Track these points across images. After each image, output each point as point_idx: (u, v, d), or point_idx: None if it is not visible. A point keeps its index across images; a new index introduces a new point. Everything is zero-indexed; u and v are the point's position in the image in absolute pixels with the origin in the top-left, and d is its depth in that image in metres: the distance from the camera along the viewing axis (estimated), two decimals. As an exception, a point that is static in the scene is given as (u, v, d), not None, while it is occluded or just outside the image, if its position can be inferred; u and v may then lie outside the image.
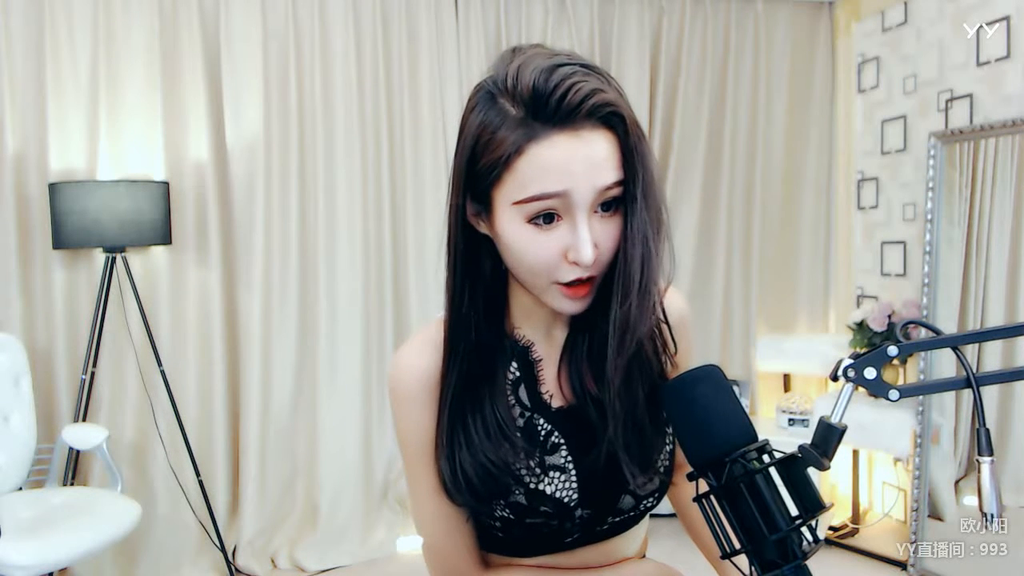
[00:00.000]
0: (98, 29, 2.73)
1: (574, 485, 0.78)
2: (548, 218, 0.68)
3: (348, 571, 2.95)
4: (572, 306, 0.73)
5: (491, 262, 0.77)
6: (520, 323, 0.82)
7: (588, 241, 0.67)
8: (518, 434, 0.77)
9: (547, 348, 0.82)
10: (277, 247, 3.00)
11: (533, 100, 0.65)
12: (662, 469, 0.82)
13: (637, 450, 0.77)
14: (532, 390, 0.81)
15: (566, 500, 0.78)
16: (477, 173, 0.70)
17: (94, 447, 2.47)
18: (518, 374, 0.81)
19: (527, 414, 0.80)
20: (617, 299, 0.70)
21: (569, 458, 0.79)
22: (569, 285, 0.71)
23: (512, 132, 0.66)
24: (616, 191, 0.68)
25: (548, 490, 0.78)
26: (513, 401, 0.80)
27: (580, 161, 0.66)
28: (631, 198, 0.69)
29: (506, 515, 0.78)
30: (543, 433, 0.79)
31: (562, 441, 0.79)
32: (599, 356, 0.77)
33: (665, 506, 0.93)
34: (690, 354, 0.91)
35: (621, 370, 0.73)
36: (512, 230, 0.69)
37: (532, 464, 0.78)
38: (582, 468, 0.79)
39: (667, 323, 0.83)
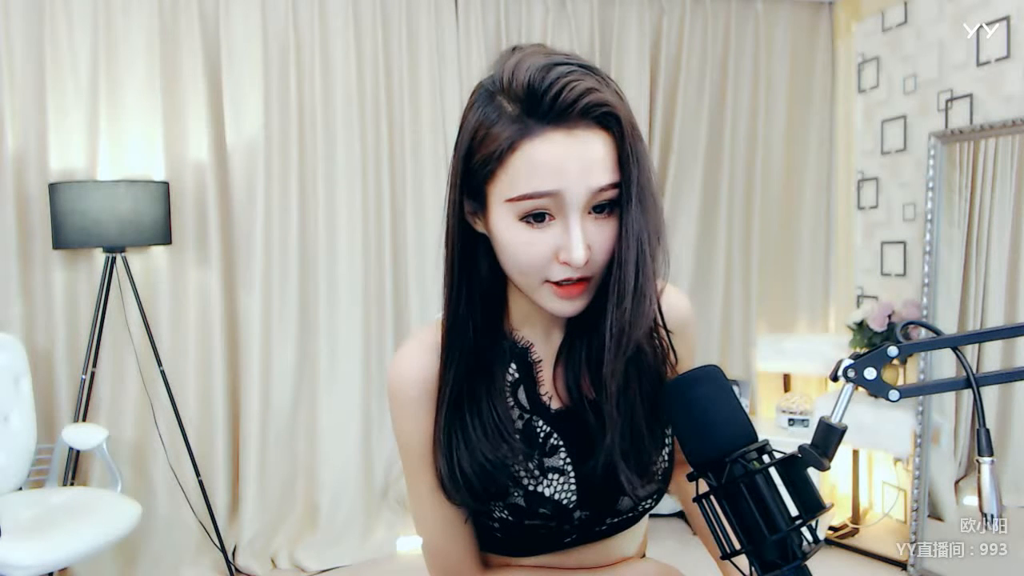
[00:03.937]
0: (98, 29, 2.73)
1: (573, 487, 0.78)
2: (539, 217, 0.67)
3: (348, 571, 2.95)
4: (564, 307, 0.72)
5: (488, 261, 0.76)
6: (519, 324, 0.81)
7: (580, 242, 0.67)
8: (516, 436, 0.77)
9: (546, 350, 0.82)
10: (277, 247, 3.00)
11: (528, 97, 0.65)
12: (660, 472, 0.81)
13: (635, 458, 0.76)
14: (531, 392, 0.80)
15: (565, 502, 0.78)
16: (472, 168, 0.70)
17: (94, 447, 2.47)
18: (517, 375, 0.80)
19: (526, 416, 0.80)
20: (612, 302, 0.69)
21: (568, 460, 0.79)
22: (561, 284, 0.70)
23: (507, 128, 0.66)
24: (611, 193, 0.68)
25: (547, 492, 0.77)
26: (512, 403, 0.79)
27: (574, 160, 0.65)
28: (626, 200, 0.68)
29: (505, 517, 0.78)
30: (542, 435, 0.79)
31: (561, 443, 0.79)
32: (596, 360, 0.76)
33: (665, 506, 0.93)
34: (692, 359, 0.90)
35: (618, 374, 0.72)
36: (504, 228, 0.69)
37: (531, 466, 0.77)
38: (581, 470, 0.78)
39: (666, 328, 0.82)
